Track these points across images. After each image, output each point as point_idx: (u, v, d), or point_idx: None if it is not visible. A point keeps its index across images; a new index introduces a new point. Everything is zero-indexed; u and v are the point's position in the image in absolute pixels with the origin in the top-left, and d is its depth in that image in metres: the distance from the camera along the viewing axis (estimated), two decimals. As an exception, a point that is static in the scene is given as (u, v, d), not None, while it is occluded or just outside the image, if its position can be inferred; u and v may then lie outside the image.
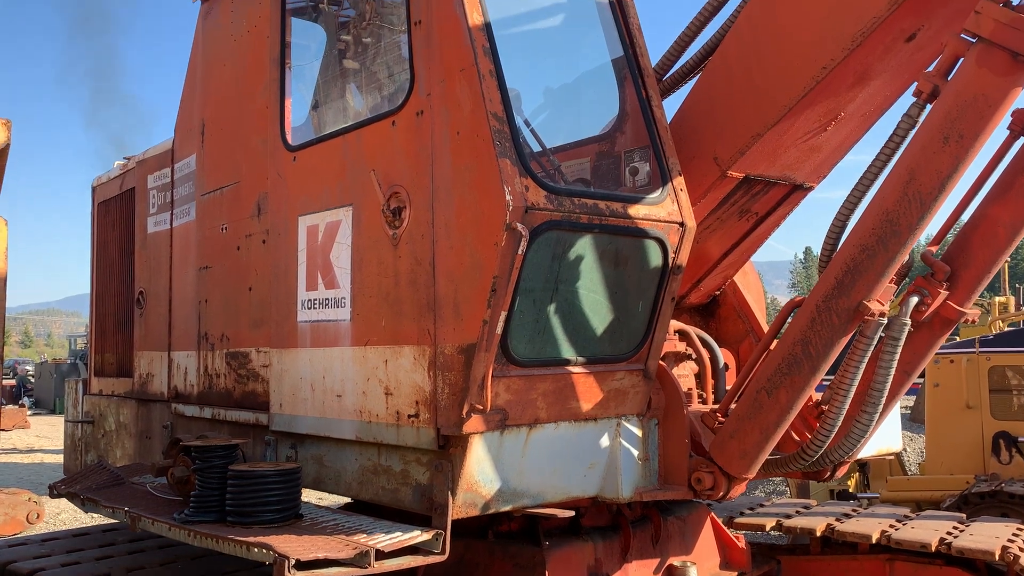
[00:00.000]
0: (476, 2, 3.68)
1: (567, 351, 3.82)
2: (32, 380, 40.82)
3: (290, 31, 4.87)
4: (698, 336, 4.88)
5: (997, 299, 17.58)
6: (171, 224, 5.97)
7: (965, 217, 4.37)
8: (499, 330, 3.46)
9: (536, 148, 4.52)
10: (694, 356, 4.85)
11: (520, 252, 3.40)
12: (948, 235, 4.44)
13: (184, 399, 5.64)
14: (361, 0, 5.18)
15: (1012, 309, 18.49)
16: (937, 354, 6.84)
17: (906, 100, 4.82)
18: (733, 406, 4.20)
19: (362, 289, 4.13)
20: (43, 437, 23.64)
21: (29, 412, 27.45)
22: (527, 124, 4.55)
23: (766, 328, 5.37)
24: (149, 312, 6.20)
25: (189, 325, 5.61)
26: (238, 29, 5.27)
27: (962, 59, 3.47)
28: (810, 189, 4.93)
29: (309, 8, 5.19)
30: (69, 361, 40.01)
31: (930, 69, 3.63)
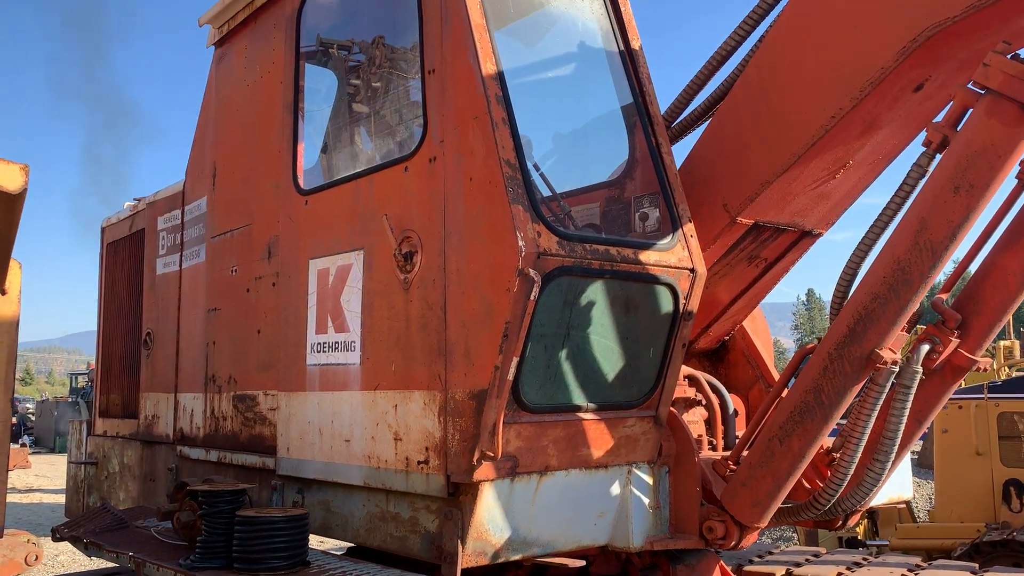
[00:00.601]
0: (489, 52, 3.73)
1: (578, 397, 3.80)
2: (32, 418, 40.64)
3: (303, 76, 4.93)
4: (708, 382, 4.86)
5: (1002, 343, 17.51)
6: (180, 266, 5.99)
7: (975, 263, 4.38)
8: (511, 376, 3.45)
9: (546, 193, 4.55)
10: (704, 402, 4.83)
11: (532, 298, 3.41)
12: (958, 282, 4.44)
13: (190, 442, 5.61)
14: (371, 45, 5.25)
15: (1017, 353, 18.41)
16: (946, 400, 6.80)
17: (914, 147, 4.89)
18: (745, 454, 4.16)
19: (372, 333, 4.12)
20: (42, 476, 23.48)
21: (30, 451, 27.26)
22: (536, 168, 4.59)
23: (775, 373, 5.35)
24: (156, 353, 6.19)
25: (196, 367, 5.61)
26: (252, 74, 5.34)
27: (971, 110, 3.50)
28: (819, 235, 4.94)
29: (319, 53, 5.26)
30: (70, 399, 39.87)
31: (939, 119, 3.67)
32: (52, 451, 33.77)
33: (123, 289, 6.94)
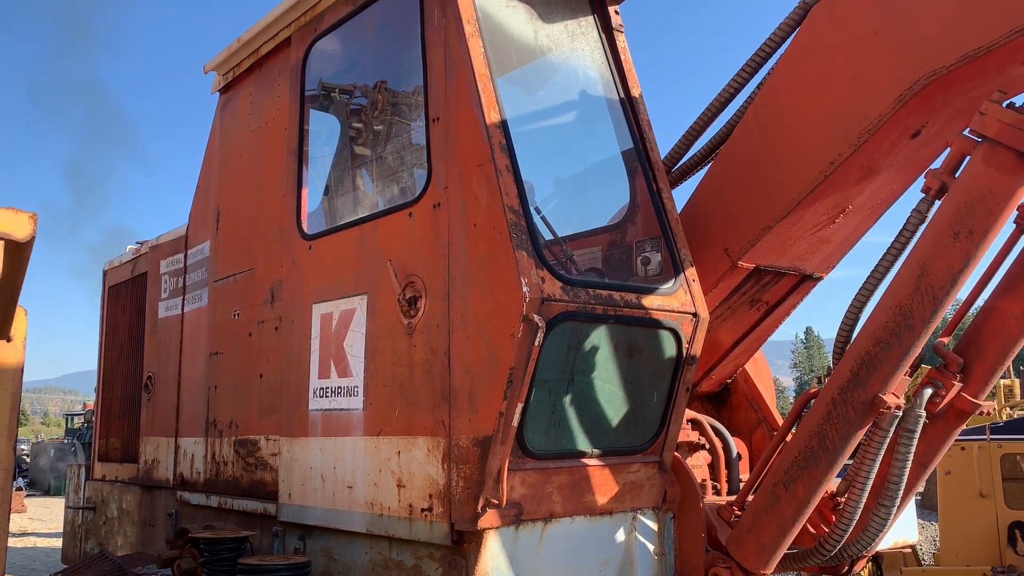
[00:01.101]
0: (493, 100, 3.78)
1: (583, 443, 3.80)
2: (27, 460, 40.27)
3: (308, 122, 4.99)
4: (711, 425, 4.85)
5: (1002, 382, 17.49)
6: (182, 309, 6.00)
7: (976, 306, 4.40)
8: (515, 422, 3.44)
9: (549, 237, 4.59)
10: (707, 446, 4.81)
11: (537, 343, 3.42)
12: (960, 325, 4.46)
13: (190, 487, 5.57)
14: (373, 90, 5.33)
15: (1018, 392, 18.34)
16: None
17: (913, 191, 4.95)
18: (750, 499, 4.14)
19: (375, 378, 4.12)
20: (37, 520, 23.19)
21: (24, 494, 26.99)
22: (538, 211, 4.63)
23: (777, 416, 5.35)
24: (157, 397, 6.18)
25: (197, 411, 5.59)
26: (256, 120, 5.41)
27: (968, 157, 3.55)
28: (819, 279, 4.97)
29: (321, 97, 5.33)
30: (65, 440, 39.56)
31: (937, 165, 3.71)
32: (47, 494, 33.40)
33: (124, 333, 6.94)
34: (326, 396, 4.41)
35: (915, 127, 4.09)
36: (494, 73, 3.87)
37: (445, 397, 3.73)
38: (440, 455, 3.71)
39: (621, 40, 4.63)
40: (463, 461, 3.61)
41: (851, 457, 3.92)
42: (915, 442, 3.81)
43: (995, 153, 3.41)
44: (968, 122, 3.56)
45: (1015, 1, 3.45)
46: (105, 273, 7.49)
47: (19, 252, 3.17)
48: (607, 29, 4.62)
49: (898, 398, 3.77)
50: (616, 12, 4.68)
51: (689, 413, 4.83)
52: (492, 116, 3.74)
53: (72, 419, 46.55)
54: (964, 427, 4.31)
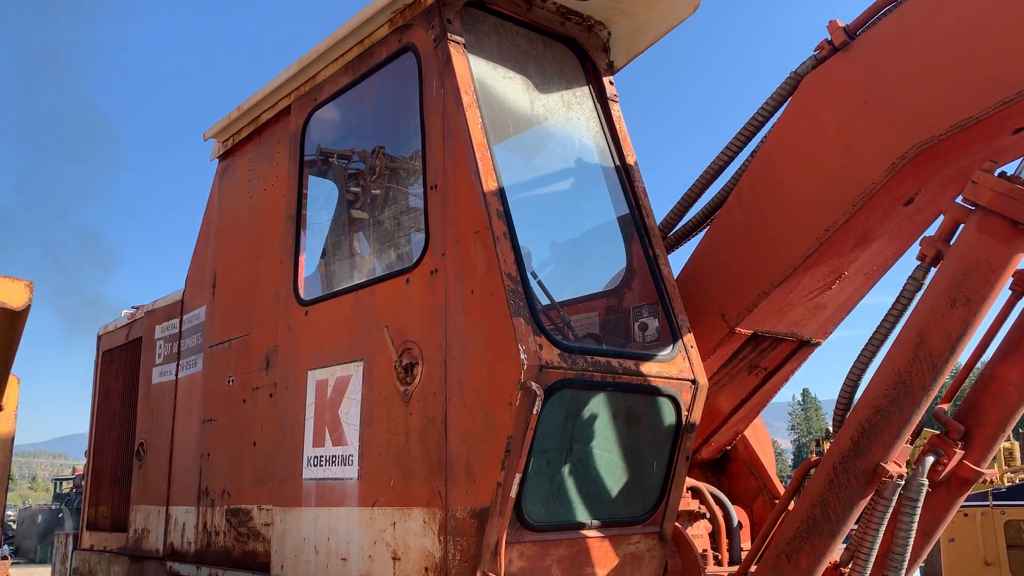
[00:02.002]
0: (490, 168, 3.82)
1: (582, 514, 3.73)
2: (13, 527, 39.50)
3: (307, 188, 5.03)
4: (711, 494, 4.78)
5: (1003, 445, 17.36)
6: (176, 375, 5.95)
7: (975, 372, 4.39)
8: (513, 493, 3.39)
9: (546, 302, 4.58)
10: (708, 515, 4.73)
11: (535, 411, 3.38)
12: (959, 391, 4.44)
13: (180, 557, 5.45)
14: (371, 155, 5.39)
15: (1018, 456, 18.20)
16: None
17: (909, 257, 4.97)
18: (752, 570, 4.06)
19: (371, 447, 4.07)
20: (21, 589, 22.63)
21: (10, 562, 26.37)
22: (535, 276, 4.63)
23: (778, 483, 5.28)
24: (148, 464, 6.08)
25: (189, 479, 5.50)
26: (255, 186, 5.45)
27: (962, 225, 3.58)
28: (817, 345, 4.96)
29: (320, 162, 5.39)
30: (53, 507, 38.86)
31: (931, 232, 3.74)
32: (33, 562, 32.67)
33: (117, 398, 6.87)
34: (320, 465, 4.35)
35: (908, 195, 4.13)
36: (491, 141, 3.92)
37: (441, 467, 3.68)
38: (436, 527, 3.64)
39: (616, 109, 4.71)
40: (460, 533, 3.54)
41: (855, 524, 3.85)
42: (919, 511, 3.76)
43: (989, 221, 3.44)
44: (960, 189, 3.60)
45: (1003, 72, 3.52)
46: (99, 338, 7.45)
47: (14, 320, 3.16)
48: (602, 99, 4.69)
49: (900, 466, 3.73)
50: (611, 82, 4.77)
51: (689, 481, 4.76)
52: (490, 184, 3.77)
53: (61, 484, 45.81)
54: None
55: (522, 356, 3.42)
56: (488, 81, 4.27)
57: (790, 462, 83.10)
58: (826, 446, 4.08)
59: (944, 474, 3.98)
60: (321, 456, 4.35)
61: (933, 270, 3.67)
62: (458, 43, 4.06)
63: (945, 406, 4.39)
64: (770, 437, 5.82)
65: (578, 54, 4.72)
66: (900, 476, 3.69)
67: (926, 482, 3.80)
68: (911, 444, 3.93)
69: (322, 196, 5.64)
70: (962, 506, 9.27)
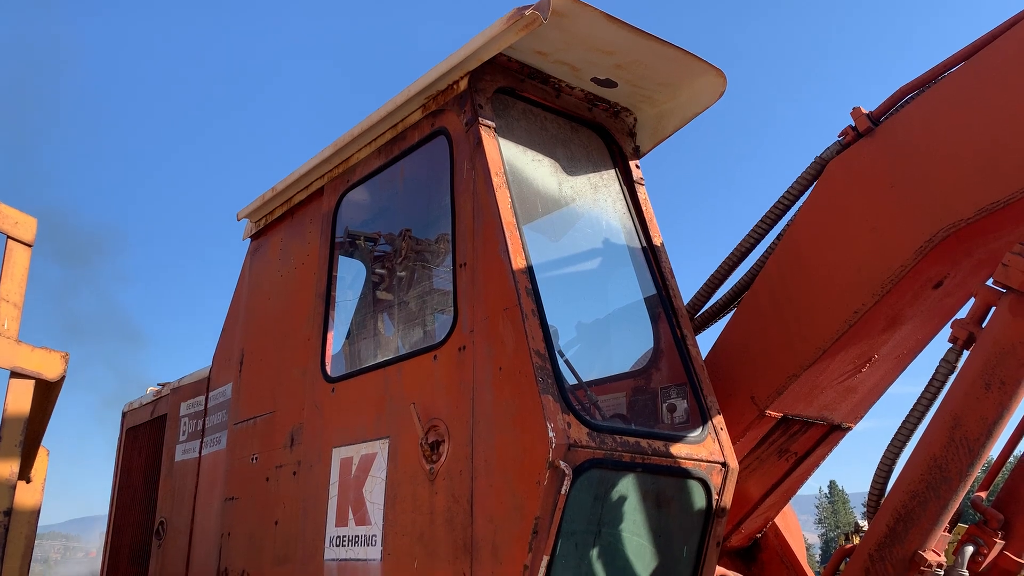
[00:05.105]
0: (519, 247, 3.87)
1: (610, 600, 3.62)
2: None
3: (336, 268, 5.11)
4: (741, 583, 4.64)
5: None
6: (200, 452, 5.94)
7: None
8: (541, 576, 3.31)
9: (573, 382, 4.56)
10: (739, 605, 4.59)
11: (563, 491, 3.33)
12: (998, 478, 4.33)
13: (195, 641, 5.33)
14: (397, 238, 5.48)
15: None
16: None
17: (940, 340, 4.92)
18: (787, 664, 3.90)
19: (394, 527, 4.01)
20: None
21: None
22: (562, 355, 4.63)
23: (810, 573, 5.11)
24: (168, 544, 6.01)
25: (209, 559, 5.42)
26: (286, 264, 5.53)
27: (994, 308, 3.56)
28: (848, 429, 4.88)
29: (347, 243, 5.48)
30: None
31: (962, 315, 3.72)
32: (40, 647, 31.97)
33: (139, 476, 6.84)
34: (343, 545, 4.28)
35: (937, 278, 4.12)
36: (520, 221, 3.98)
37: (467, 548, 3.61)
38: (461, 610, 3.54)
39: (642, 192, 4.78)
40: (485, 617, 3.44)
41: None
42: (960, 605, 3.63)
43: (1021, 303, 3.43)
44: (990, 271, 3.60)
45: (1029, 157, 3.55)
46: (124, 415, 7.47)
47: (48, 392, 3.19)
48: (628, 182, 4.78)
49: (939, 555, 3.62)
50: (637, 166, 4.86)
51: (719, 570, 4.63)
52: (518, 262, 3.81)
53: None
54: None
55: (550, 434, 3.39)
56: (518, 163, 4.37)
57: (818, 557, 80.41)
58: (855, 540, 3.96)
59: (984, 565, 3.86)
60: (344, 536, 4.28)
61: (966, 353, 3.64)
62: (489, 127, 4.17)
63: (983, 494, 4.28)
64: (799, 528, 5.68)
65: (605, 139, 4.83)
66: (939, 565, 3.58)
67: (967, 574, 3.68)
68: (949, 533, 3.83)
69: (349, 276, 5.71)
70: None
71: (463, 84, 4.24)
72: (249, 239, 6.13)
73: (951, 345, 3.67)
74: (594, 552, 3.59)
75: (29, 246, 3.24)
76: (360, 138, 4.90)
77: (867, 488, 4.00)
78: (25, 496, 3.40)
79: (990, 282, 3.60)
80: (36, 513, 3.42)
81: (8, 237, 3.25)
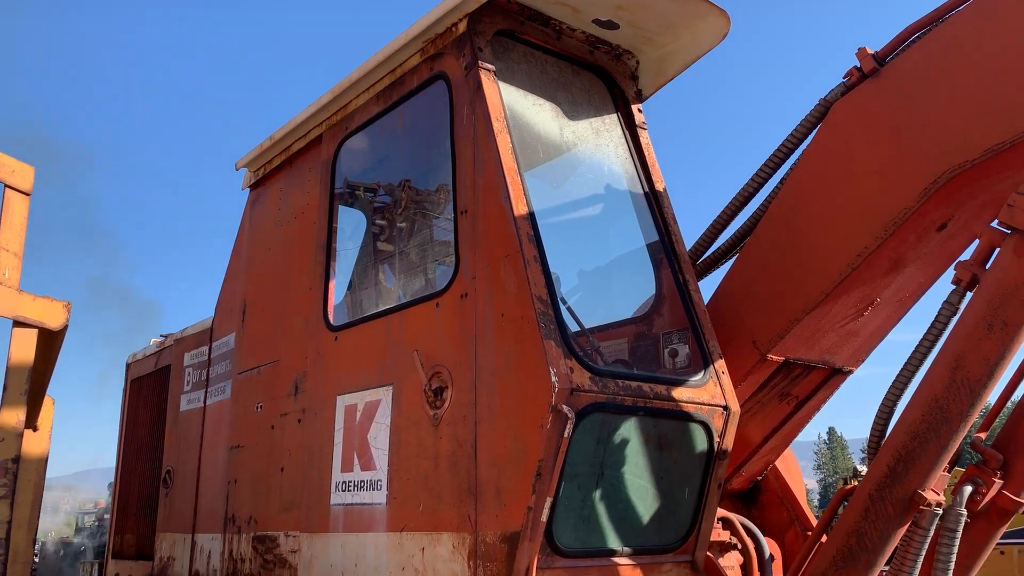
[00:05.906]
0: (521, 193, 3.84)
1: (613, 541, 3.68)
2: (36, 560, 39.54)
3: (336, 217, 5.08)
4: (742, 524, 4.70)
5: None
6: (205, 402, 5.98)
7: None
8: (544, 517, 3.35)
9: (575, 328, 4.57)
10: (739, 546, 4.65)
11: (566, 435, 3.36)
12: (997, 419, 4.36)
13: (205, 585, 5.42)
14: (397, 188, 5.44)
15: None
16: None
17: (943, 283, 4.90)
18: (786, 602, 3.97)
19: (399, 472, 4.05)
20: (43, 622, 22.55)
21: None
22: (564, 302, 4.62)
23: (811, 515, 5.18)
24: (175, 492, 6.09)
25: (216, 506, 5.49)
26: (285, 214, 5.51)
27: (998, 249, 3.53)
28: (849, 373, 4.90)
29: (347, 194, 5.44)
30: (75, 540, 38.92)
31: (965, 257, 3.70)
32: (54, 595, 32.65)
33: (145, 426, 6.90)
34: (348, 490, 4.33)
35: (941, 220, 4.10)
36: (521, 167, 3.94)
37: (471, 491, 3.65)
38: (466, 552, 3.60)
39: (644, 136, 4.73)
40: (490, 559, 3.50)
41: (888, 561, 3.77)
42: (957, 542, 3.67)
43: (1026, 244, 3.40)
44: (995, 214, 3.57)
45: (1037, 96, 3.50)
46: (128, 366, 7.51)
47: (52, 341, 3.20)
48: (631, 126, 4.72)
49: (938, 495, 3.66)
50: (639, 110, 4.80)
51: (720, 512, 4.69)
52: (520, 208, 3.78)
53: (84, 518, 45.90)
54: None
55: (553, 379, 3.40)
56: (518, 108, 4.31)
57: (816, 502, 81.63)
58: (854, 484, 4.00)
59: (983, 504, 3.90)
60: (349, 481, 4.33)
61: (969, 295, 3.63)
62: (489, 71, 4.11)
63: (983, 435, 4.31)
64: (799, 471, 5.73)
65: (607, 82, 4.76)
66: (938, 504, 3.61)
67: (964, 512, 3.72)
68: (948, 474, 3.86)
69: (349, 226, 5.69)
70: (1000, 544, 9.05)
71: (462, 26, 4.16)
72: (248, 189, 6.09)
73: (954, 287, 3.66)
74: (597, 494, 3.63)
75: (27, 195, 3.22)
76: (358, 84, 4.83)
77: (865, 435, 4.03)
78: (33, 444, 3.43)
79: (995, 223, 3.57)
80: (44, 461, 3.46)
81: (5, 186, 3.23)
